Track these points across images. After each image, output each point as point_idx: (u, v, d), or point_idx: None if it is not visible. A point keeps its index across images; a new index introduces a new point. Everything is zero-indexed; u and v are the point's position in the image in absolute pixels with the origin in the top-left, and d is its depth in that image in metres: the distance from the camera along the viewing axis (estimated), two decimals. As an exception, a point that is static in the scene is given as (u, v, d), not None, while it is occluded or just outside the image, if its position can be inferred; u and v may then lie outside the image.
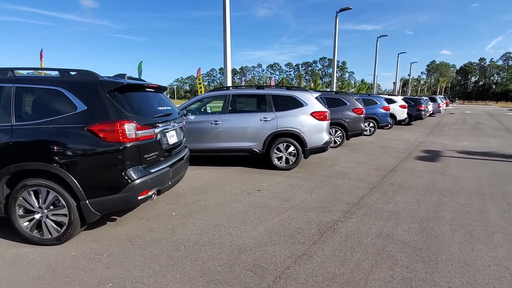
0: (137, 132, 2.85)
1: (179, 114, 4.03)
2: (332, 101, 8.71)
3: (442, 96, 33.88)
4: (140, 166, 2.94)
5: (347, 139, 8.83)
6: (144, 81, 3.91)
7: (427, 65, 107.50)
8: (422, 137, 11.24)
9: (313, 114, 5.75)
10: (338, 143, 8.66)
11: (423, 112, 16.04)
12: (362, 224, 3.44)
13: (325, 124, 5.83)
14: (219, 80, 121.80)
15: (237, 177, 5.41)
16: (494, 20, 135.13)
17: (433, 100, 22.99)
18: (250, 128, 5.79)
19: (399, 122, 14.81)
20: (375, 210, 3.87)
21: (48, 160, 2.69)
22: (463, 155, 7.78)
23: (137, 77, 4.36)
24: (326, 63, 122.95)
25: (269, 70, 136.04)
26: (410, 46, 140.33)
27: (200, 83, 23.10)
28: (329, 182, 5.17)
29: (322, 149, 5.89)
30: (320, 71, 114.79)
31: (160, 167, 3.18)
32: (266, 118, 5.76)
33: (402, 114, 14.12)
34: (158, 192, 3.21)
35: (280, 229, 3.30)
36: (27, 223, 2.85)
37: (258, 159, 6.24)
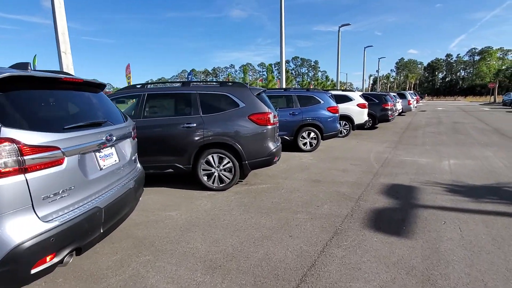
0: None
1: None
2: (209, 101, 4.50)
3: (412, 92, 31.19)
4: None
5: (243, 172, 4.65)
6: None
7: (396, 63, 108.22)
8: (388, 152, 7.37)
9: None
10: (227, 181, 4.46)
11: (389, 112, 12.22)
12: None
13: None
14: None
15: None
16: (457, 20, 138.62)
17: (402, 96, 19.69)
18: None
19: (361, 126, 11.01)
20: None
21: None
22: (459, 197, 3.87)
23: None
24: (299, 63, 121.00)
25: (242, 70, 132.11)
26: (379, 46, 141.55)
27: (129, 81, 19.28)
28: None
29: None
30: (293, 71, 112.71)
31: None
32: None
33: (361, 116, 10.23)
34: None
35: None
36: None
37: None
